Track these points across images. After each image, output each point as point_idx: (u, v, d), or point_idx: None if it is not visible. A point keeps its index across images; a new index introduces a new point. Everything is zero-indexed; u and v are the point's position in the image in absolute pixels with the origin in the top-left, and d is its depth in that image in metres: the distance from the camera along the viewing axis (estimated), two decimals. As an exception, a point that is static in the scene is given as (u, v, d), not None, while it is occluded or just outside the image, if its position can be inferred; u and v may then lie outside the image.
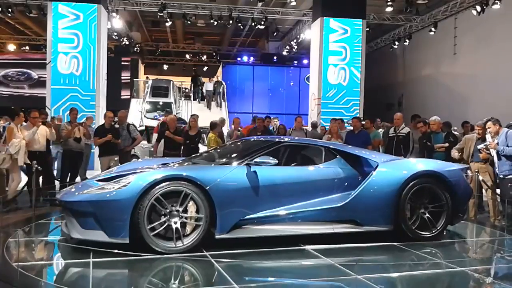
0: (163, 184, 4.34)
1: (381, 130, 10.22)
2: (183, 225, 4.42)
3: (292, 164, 5.38)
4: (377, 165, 5.14)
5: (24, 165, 7.55)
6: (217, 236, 4.50)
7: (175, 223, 4.37)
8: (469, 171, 5.88)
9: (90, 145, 9.52)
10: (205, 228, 4.44)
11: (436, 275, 4.12)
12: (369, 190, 4.95)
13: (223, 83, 22.84)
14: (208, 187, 4.44)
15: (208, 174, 4.59)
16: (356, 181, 5.10)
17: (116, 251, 4.30)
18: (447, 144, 7.81)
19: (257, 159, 4.81)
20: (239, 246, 4.59)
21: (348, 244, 4.88)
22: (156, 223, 4.33)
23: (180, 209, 4.40)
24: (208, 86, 22.06)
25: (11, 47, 27.67)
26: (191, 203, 4.43)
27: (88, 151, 9.45)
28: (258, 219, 4.69)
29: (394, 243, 4.95)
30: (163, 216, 4.36)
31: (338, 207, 4.89)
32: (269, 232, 4.70)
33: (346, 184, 5.09)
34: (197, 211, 4.45)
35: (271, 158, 4.84)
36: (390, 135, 8.80)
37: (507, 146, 6.39)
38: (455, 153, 7.35)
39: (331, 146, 5.46)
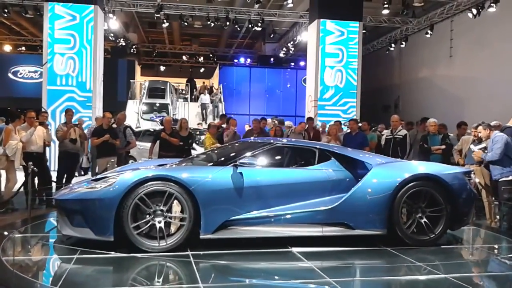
0: (147, 184, 4.43)
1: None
2: (168, 224, 4.50)
3: (285, 166, 5.32)
4: (371, 167, 5.07)
5: (21, 166, 7.52)
6: (201, 236, 4.54)
7: (159, 222, 4.45)
8: (472, 175, 5.59)
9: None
10: (188, 228, 4.49)
11: (413, 281, 4.02)
12: (361, 192, 4.86)
13: (222, 99, 22.44)
14: (192, 188, 4.48)
15: (192, 174, 4.64)
16: (349, 183, 5.01)
17: (113, 252, 4.32)
18: (443, 146, 7.82)
19: (241, 160, 4.81)
20: (228, 247, 4.60)
21: (338, 248, 4.80)
22: (140, 222, 4.42)
23: (164, 209, 4.47)
24: (203, 99, 21.32)
25: (7, 47, 27.58)
26: (175, 203, 4.49)
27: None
28: (245, 220, 4.69)
29: (387, 248, 4.86)
30: (147, 216, 4.44)
31: (328, 210, 4.81)
32: (255, 234, 4.69)
33: (338, 186, 5.00)
34: (182, 211, 4.50)
35: (255, 159, 4.83)
36: (387, 137, 8.83)
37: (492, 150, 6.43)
38: (458, 159, 7.35)
39: (324, 148, 5.40)
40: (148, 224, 4.44)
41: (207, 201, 4.53)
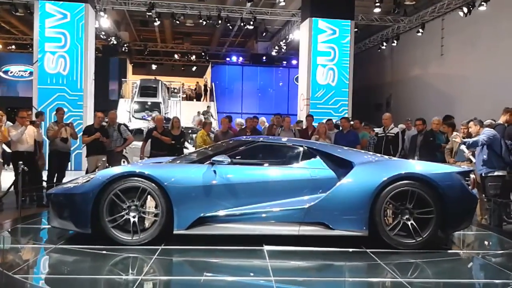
0: (121, 180, 4.61)
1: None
2: (142, 219, 4.68)
3: (268, 164, 5.17)
4: (354, 166, 4.89)
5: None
6: (175, 232, 4.62)
7: (134, 217, 4.63)
8: (471, 175, 5.17)
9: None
10: (161, 223, 4.61)
11: (360, 283, 3.87)
12: (340, 191, 4.71)
13: (214, 115, 22.11)
14: (165, 184, 4.61)
15: (166, 172, 4.78)
16: (330, 181, 4.84)
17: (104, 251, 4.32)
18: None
19: (215, 158, 4.84)
20: (207, 243, 4.64)
21: (314, 248, 4.63)
22: (115, 216, 4.61)
23: (139, 204, 4.64)
24: (197, 118, 20.74)
25: (-3, 46, 27.36)
26: (149, 198, 4.66)
27: None
28: (221, 217, 4.72)
29: (366, 250, 4.59)
30: (123, 210, 4.63)
31: (305, 209, 4.69)
32: (230, 230, 4.70)
33: (320, 184, 4.85)
34: (156, 207, 4.64)
35: (226, 157, 4.85)
36: (379, 135, 8.86)
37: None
38: (448, 158, 7.34)
39: (309, 146, 5.29)
40: (123, 218, 4.61)
41: (179, 197, 4.62)
